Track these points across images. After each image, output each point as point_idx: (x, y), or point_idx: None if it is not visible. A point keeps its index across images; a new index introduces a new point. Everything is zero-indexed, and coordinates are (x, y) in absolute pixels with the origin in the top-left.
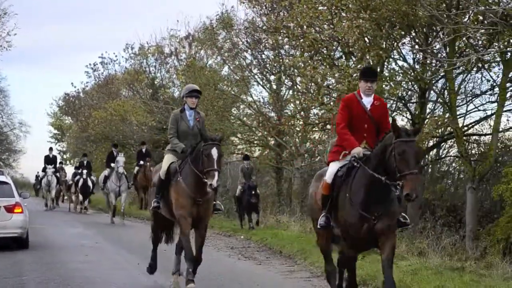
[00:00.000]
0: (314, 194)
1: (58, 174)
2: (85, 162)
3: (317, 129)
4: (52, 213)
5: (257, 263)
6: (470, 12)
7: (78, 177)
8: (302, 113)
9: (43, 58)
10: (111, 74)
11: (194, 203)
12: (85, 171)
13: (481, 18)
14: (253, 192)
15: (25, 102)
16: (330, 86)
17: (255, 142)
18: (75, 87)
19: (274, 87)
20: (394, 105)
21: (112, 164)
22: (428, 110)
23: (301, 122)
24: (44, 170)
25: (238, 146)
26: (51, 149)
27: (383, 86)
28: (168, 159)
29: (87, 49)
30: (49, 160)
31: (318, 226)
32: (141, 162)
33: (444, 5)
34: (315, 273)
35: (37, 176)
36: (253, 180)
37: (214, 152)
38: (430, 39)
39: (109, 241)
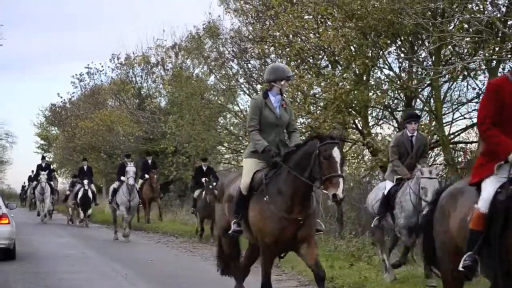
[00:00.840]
0: (447, 229)
1: (52, 183)
2: (85, 167)
3: (304, 137)
4: (39, 224)
5: None
6: (456, 20)
7: (78, 186)
8: None
9: (29, 69)
10: (97, 84)
11: (289, 225)
12: (86, 181)
13: (466, 26)
14: None
15: (11, 112)
16: (317, 95)
17: (242, 151)
18: (61, 97)
19: None
20: (380, 114)
21: (123, 178)
22: None
23: None
24: (31, 179)
25: (225, 156)
26: (43, 157)
27: (370, 94)
28: (251, 165)
29: (73, 59)
30: (42, 169)
31: (461, 268)
32: (146, 176)
33: (430, 13)
34: (303, 282)
35: (23, 186)
36: None
37: (337, 153)
38: (415, 47)
39: (95, 251)
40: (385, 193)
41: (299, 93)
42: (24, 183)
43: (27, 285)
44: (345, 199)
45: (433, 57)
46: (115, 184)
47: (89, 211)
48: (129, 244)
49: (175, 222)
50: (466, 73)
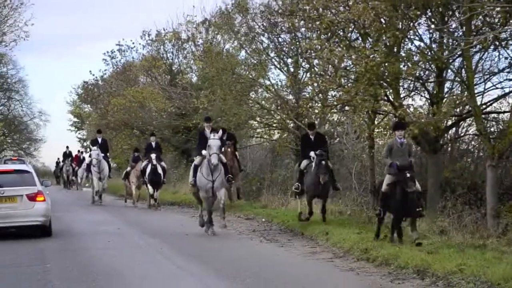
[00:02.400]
0: None
1: (109, 159)
2: (153, 143)
3: (335, 110)
4: (75, 202)
5: (279, 245)
6: None
7: (145, 162)
8: (320, 95)
9: (61, 47)
10: (128, 61)
11: None
12: (153, 155)
13: None
14: (411, 182)
15: (44, 91)
16: (347, 68)
17: (274, 125)
18: (93, 75)
19: (292, 70)
20: (412, 85)
21: (204, 152)
22: (446, 89)
23: (319, 104)
24: (66, 155)
25: (257, 130)
26: (99, 131)
27: (401, 66)
28: None
29: (104, 37)
30: (98, 144)
31: None
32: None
33: None
34: (337, 254)
35: (57, 163)
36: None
37: None
38: (446, 18)
39: (131, 227)
40: None
41: (329, 66)
42: (58, 159)
43: (63, 261)
44: (377, 171)
45: (464, 28)
46: (197, 160)
47: (156, 194)
48: (164, 219)
49: None
50: (497, 42)
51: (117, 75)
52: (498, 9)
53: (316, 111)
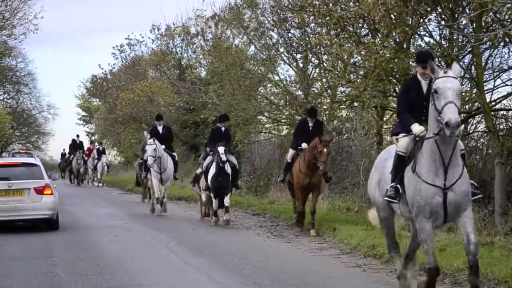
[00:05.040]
0: None
1: (175, 154)
2: (223, 129)
3: (344, 106)
4: (83, 196)
5: (286, 241)
6: None
7: (209, 159)
8: (329, 91)
9: (70, 40)
10: (137, 55)
11: None
12: (222, 149)
13: None
14: None
15: (53, 84)
16: (357, 64)
17: (283, 120)
18: (102, 69)
19: (301, 65)
20: None
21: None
22: None
23: (328, 100)
24: (73, 146)
25: (265, 125)
26: (159, 117)
27: (410, 62)
28: None
29: (113, 30)
30: (158, 136)
31: None
32: (304, 145)
33: None
34: (344, 250)
35: (63, 155)
36: None
37: None
38: (456, 14)
39: (138, 222)
40: None
41: (339, 62)
42: (64, 150)
43: (70, 254)
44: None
45: (474, 24)
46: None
47: (226, 200)
48: (171, 214)
49: None
50: (507, 39)
51: (126, 69)
52: (508, 5)
53: (325, 106)
